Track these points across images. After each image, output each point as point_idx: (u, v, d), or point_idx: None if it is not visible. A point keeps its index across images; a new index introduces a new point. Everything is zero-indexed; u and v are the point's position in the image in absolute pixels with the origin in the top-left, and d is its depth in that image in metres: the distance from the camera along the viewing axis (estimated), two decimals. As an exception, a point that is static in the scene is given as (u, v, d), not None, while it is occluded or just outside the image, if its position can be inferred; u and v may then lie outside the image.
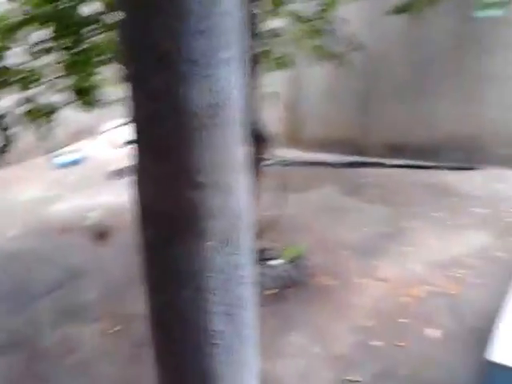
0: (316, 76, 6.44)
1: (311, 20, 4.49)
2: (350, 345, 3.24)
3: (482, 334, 2.83)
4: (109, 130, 7.76)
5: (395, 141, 6.28)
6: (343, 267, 4.04)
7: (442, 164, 6.02)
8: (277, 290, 3.73)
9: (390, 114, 6.33)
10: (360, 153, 6.31)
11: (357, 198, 5.34)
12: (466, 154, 6.03)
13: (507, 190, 5.37)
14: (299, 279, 3.81)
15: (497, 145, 5.92)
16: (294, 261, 3.88)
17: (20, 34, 3.16)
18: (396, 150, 6.24)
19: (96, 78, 3.46)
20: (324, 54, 4.65)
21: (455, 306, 3.53)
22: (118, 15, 1.41)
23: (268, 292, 3.67)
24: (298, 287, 3.79)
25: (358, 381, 2.92)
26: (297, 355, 3.18)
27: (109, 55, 3.39)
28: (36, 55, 3.23)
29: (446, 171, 5.92)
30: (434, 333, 3.28)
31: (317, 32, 4.52)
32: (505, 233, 4.50)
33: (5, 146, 3.25)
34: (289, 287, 3.77)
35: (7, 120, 3.28)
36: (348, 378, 2.96)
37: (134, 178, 1.54)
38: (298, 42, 4.60)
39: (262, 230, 3.08)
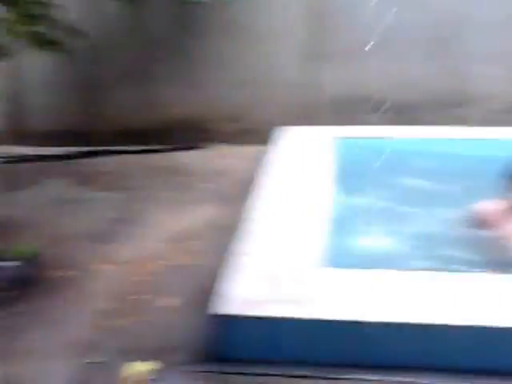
0: (37, 65, 6.13)
1: (26, 4, 4.29)
2: (91, 329, 3.25)
3: (213, 295, 3.03)
4: None
5: (126, 127, 6.28)
6: (79, 257, 4.00)
7: (173, 146, 6.27)
8: (9, 292, 3.55)
9: (118, 100, 6.34)
10: (91, 142, 6.22)
11: (89, 187, 5.29)
12: (194, 134, 6.35)
13: (231, 164, 5.82)
14: (33, 277, 3.68)
15: (222, 123, 6.34)
16: (26, 259, 3.73)
17: None
18: (127, 135, 6.26)
19: None
20: (42, 42, 4.48)
21: (190, 274, 3.76)
22: None
23: (-1, 295, 3.49)
24: (33, 285, 3.66)
25: (101, 361, 2.95)
26: (36, 351, 3.09)
27: None
28: None
29: (178, 152, 6.20)
30: (173, 303, 3.45)
31: (32, 17, 4.33)
32: (229, 203, 4.88)
33: None
34: (23, 287, 3.61)
35: None
36: (91, 360, 2.97)
37: None
38: (12, 29, 4.36)
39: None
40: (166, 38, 6.19)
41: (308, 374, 2.71)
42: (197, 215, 4.66)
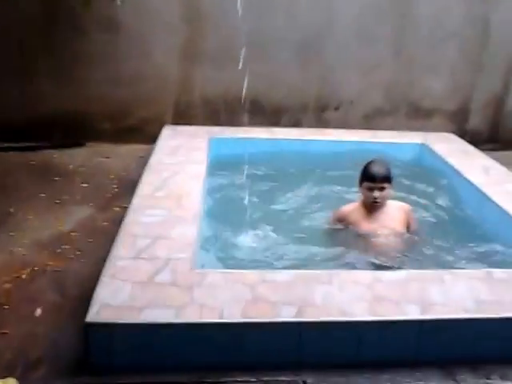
0: None
1: None
2: None
3: (85, 302, 2.95)
4: None
5: (5, 123, 6.09)
6: None
7: (53, 143, 6.15)
8: None
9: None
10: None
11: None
12: (72, 132, 6.27)
13: (109, 163, 5.82)
14: None
15: (102, 121, 6.31)
16: None
17: None
18: (7, 132, 6.05)
19: None
20: None
21: (58, 281, 3.67)
22: None
23: None
24: None
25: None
26: None
27: None
28: None
29: (58, 150, 6.08)
30: (37, 311, 3.37)
31: None
32: (107, 204, 4.89)
33: None
34: None
35: None
36: None
37: None
38: None
39: None
40: (46, 33, 6.05)
41: (184, 380, 2.75)
42: (73, 217, 4.62)
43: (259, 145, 5.45)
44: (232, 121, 6.04)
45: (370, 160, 3.97)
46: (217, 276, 3.17)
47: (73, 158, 5.91)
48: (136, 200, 4.13)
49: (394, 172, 4.04)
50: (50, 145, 6.13)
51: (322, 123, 6.23)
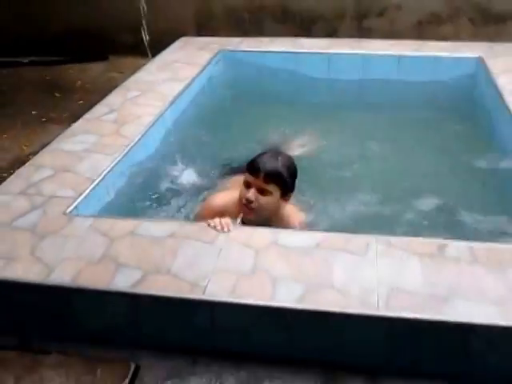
0: None
1: None
2: None
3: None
4: None
5: (22, 37, 5.89)
6: None
7: (68, 57, 5.82)
8: None
9: (14, 10, 5.90)
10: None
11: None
12: (94, 45, 5.87)
13: (119, 78, 5.33)
14: None
15: (122, 34, 5.83)
16: None
17: None
18: (25, 46, 5.87)
19: None
20: None
21: None
22: None
23: None
24: None
25: None
26: None
27: None
28: None
29: (75, 65, 5.75)
30: None
31: None
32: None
33: None
34: None
35: None
36: None
37: None
38: None
39: None
40: None
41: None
42: (43, 137, 4.26)
43: (270, 59, 4.60)
44: (258, 31, 5.19)
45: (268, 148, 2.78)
46: (85, 223, 2.60)
47: (87, 73, 5.54)
48: (77, 123, 3.62)
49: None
50: (74, 58, 5.75)
51: (362, 33, 5.12)
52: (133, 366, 2.20)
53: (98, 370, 2.20)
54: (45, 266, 2.32)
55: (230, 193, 2.80)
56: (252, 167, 2.54)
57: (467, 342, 1.96)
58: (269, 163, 2.53)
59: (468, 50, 4.63)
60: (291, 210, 2.74)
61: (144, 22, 4.40)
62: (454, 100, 4.23)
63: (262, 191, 2.53)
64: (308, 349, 2.14)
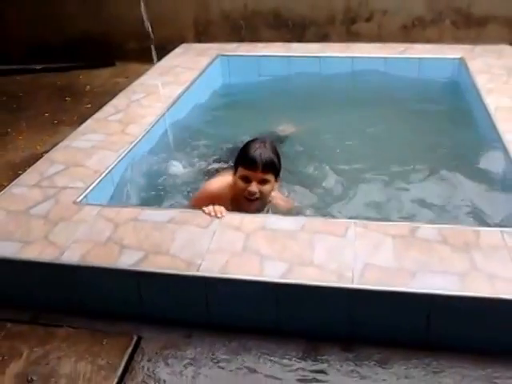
0: None
1: None
2: None
3: None
4: None
5: (34, 44, 6.08)
6: None
7: (82, 64, 6.00)
8: None
9: (25, 17, 6.08)
10: (2, 60, 6.03)
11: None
12: (102, 52, 6.05)
13: (124, 83, 5.49)
14: None
15: (127, 40, 6.01)
16: None
17: None
18: (37, 53, 6.06)
19: None
20: None
21: None
22: None
23: None
24: None
25: None
26: None
27: None
28: None
29: (84, 71, 5.93)
30: None
31: None
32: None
33: None
34: None
35: None
36: None
37: None
38: None
39: None
40: None
41: (22, 318, 2.50)
42: (55, 138, 4.42)
43: (264, 63, 4.78)
44: (254, 37, 5.37)
45: (252, 138, 2.80)
46: (93, 211, 2.79)
47: (95, 78, 5.71)
48: (87, 123, 3.81)
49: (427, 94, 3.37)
50: (83, 65, 5.94)
51: (352, 37, 5.29)
52: (135, 338, 2.36)
53: (104, 341, 2.36)
54: (57, 247, 2.51)
55: (222, 179, 2.92)
56: (249, 162, 2.61)
57: (429, 312, 2.12)
58: (263, 154, 2.61)
59: (450, 52, 4.79)
60: (278, 194, 2.91)
61: (150, 30, 4.57)
62: (436, 96, 4.38)
63: (262, 181, 2.64)
64: (292, 321, 2.30)
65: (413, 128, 3.94)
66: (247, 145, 2.72)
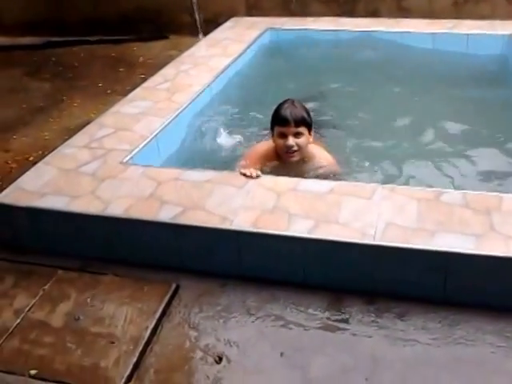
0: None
1: None
2: None
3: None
4: None
5: (91, 17, 6.41)
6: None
7: (136, 37, 6.31)
8: None
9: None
10: (59, 33, 6.39)
11: (34, 77, 5.52)
12: (156, 25, 6.33)
13: (176, 56, 5.75)
14: None
15: (181, 14, 6.25)
16: None
17: None
18: (93, 26, 6.39)
19: None
20: None
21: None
22: None
23: None
24: None
25: None
26: None
27: None
28: None
29: (139, 43, 6.23)
30: None
31: None
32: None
33: None
34: None
35: None
36: None
37: None
38: None
39: None
40: None
41: (70, 265, 2.76)
42: (108, 106, 4.68)
43: (312, 36, 4.93)
44: (304, 11, 5.52)
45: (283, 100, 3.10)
46: (138, 170, 3.05)
47: (149, 50, 5.99)
48: (136, 91, 4.09)
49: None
50: (137, 38, 6.23)
51: (402, 12, 5.35)
52: (173, 286, 2.61)
53: (145, 288, 2.62)
54: (102, 201, 2.78)
55: (266, 143, 3.28)
56: (282, 119, 2.96)
57: (446, 269, 2.28)
58: (293, 111, 2.96)
59: (501, 28, 4.80)
60: (318, 149, 3.20)
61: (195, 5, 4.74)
62: (482, 73, 4.42)
63: (296, 134, 2.97)
64: (318, 275, 2.50)
65: (457, 101, 4.02)
66: (278, 106, 3.05)
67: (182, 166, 3.12)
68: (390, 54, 4.77)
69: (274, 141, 3.07)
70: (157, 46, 6.13)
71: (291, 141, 2.96)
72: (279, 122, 2.98)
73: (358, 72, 4.53)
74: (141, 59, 5.78)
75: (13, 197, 2.89)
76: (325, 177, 3.03)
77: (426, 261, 2.31)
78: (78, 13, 6.45)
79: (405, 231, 2.39)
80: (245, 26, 5.33)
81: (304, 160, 3.10)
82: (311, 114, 3.09)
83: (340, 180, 2.96)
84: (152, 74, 4.79)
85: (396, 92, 4.23)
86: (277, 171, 3.04)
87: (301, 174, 3.01)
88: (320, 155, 3.17)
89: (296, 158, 3.04)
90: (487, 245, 2.25)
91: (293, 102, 3.04)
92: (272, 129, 3.07)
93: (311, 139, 3.08)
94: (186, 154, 3.47)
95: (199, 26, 4.53)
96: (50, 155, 3.31)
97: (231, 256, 2.59)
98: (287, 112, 2.95)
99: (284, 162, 3.08)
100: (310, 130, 3.04)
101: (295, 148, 2.98)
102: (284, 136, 2.98)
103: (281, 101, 3.08)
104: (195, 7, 4.30)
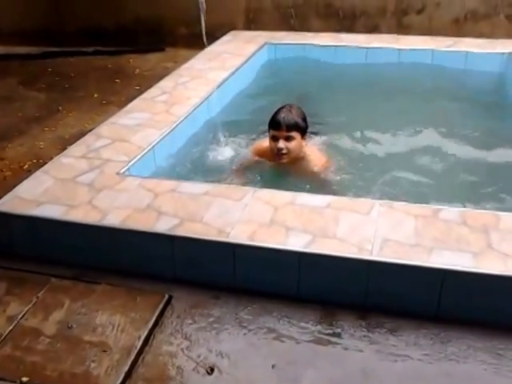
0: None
1: None
2: None
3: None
4: None
5: (89, 28, 6.52)
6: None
7: (130, 48, 6.41)
8: None
9: (80, 2, 6.53)
10: (57, 43, 6.49)
11: (29, 87, 5.59)
12: (153, 37, 6.44)
13: (172, 68, 5.85)
14: None
15: (178, 26, 6.37)
16: None
17: None
18: (91, 36, 6.50)
19: None
20: None
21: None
22: None
23: None
24: None
25: None
26: None
27: None
28: None
29: (135, 55, 6.33)
30: None
31: None
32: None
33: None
34: None
35: None
36: None
37: None
38: None
39: None
40: None
41: (66, 274, 2.82)
42: (103, 117, 4.77)
43: (310, 51, 5.05)
44: (304, 26, 5.64)
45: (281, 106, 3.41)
46: (135, 181, 3.12)
47: (145, 62, 6.08)
48: (133, 103, 4.17)
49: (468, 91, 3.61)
50: (133, 49, 6.33)
51: (402, 29, 5.48)
52: (166, 297, 2.66)
53: (138, 298, 2.67)
54: (99, 211, 2.84)
55: (263, 142, 3.57)
56: (275, 124, 3.26)
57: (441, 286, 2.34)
58: (286, 116, 3.25)
59: (501, 47, 4.92)
60: (313, 151, 3.46)
61: (203, 16, 4.85)
62: (480, 89, 4.54)
63: (287, 138, 3.25)
64: (311, 288, 2.56)
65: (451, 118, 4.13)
66: (276, 110, 3.35)
67: (179, 178, 3.19)
68: (389, 70, 4.88)
69: (269, 141, 3.37)
70: (153, 58, 6.24)
71: (281, 144, 3.26)
72: (272, 125, 3.28)
73: (355, 87, 4.63)
74: (137, 71, 5.87)
75: (10, 205, 2.95)
76: (318, 176, 3.33)
77: (423, 277, 2.37)
78: (76, 23, 6.54)
79: (402, 247, 2.46)
80: (243, 40, 5.46)
81: (296, 161, 3.37)
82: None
83: (337, 194, 3.03)
84: (148, 86, 4.90)
85: (394, 108, 4.33)
86: (272, 167, 3.43)
87: (294, 173, 3.36)
88: (313, 156, 3.44)
89: (285, 160, 3.32)
90: (484, 263, 2.32)
91: (291, 107, 3.34)
92: (269, 131, 3.36)
93: (304, 143, 3.36)
94: (183, 166, 3.54)
95: (204, 37, 4.61)
96: (48, 164, 3.37)
97: (226, 268, 2.65)
98: (281, 117, 3.24)
99: (275, 162, 3.39)
100: (303, 135, 3.32)
101: (284, 151, 3.27)
102: (276, 139, 3.28)
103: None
104: (202, 17, 4.36)
